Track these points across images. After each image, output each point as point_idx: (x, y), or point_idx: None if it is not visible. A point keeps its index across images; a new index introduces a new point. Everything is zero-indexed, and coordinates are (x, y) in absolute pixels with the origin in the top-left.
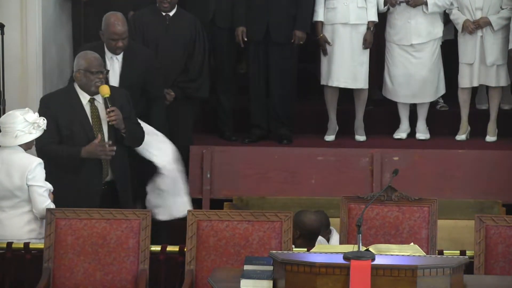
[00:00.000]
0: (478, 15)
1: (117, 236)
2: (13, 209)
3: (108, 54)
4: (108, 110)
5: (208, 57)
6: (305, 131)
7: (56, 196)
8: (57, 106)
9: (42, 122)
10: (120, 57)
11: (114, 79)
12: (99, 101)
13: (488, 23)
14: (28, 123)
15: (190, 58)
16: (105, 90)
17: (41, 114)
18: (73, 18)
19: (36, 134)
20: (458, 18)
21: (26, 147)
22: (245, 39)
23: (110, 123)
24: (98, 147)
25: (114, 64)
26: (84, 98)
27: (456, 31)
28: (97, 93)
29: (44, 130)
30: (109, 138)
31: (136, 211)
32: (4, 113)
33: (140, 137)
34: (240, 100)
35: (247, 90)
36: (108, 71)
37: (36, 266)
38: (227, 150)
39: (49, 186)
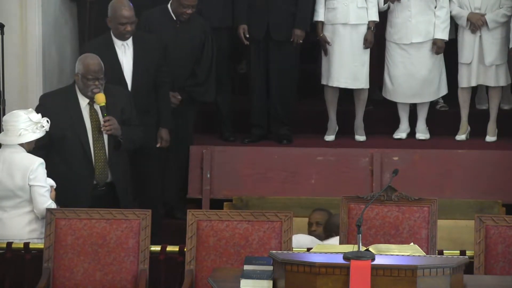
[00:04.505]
0: None
1: (117, 236)
2: (15, 209)
3: (118, 43)
4: (103, 119)
5: (216, 61)
6: (305, 131)
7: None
8: (54, 106)
9: (46, 124)
10: (130, 44)
11: (128, 66)
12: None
13: (484, 21)
14: (32, 122)
15: (198, 63)
16: (100, 98)
17: (37, 111)
18: (79, 18)
19: (39, 134)
20: (460, 12)
21: (27, 147)
22: (247, 36)
23: (105, 132)
24: None
25: (126, 51)
26: (84, 100)
27: (456, 30)
28: (94, 98)
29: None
30: (109, 142)
31: (136, 211)
32: (4, 113)
33: (137, 139)
34: (240, 100)
35: (247, 90)
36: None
37: (36, 266)
38: (227, 150)
39: (51, 182)
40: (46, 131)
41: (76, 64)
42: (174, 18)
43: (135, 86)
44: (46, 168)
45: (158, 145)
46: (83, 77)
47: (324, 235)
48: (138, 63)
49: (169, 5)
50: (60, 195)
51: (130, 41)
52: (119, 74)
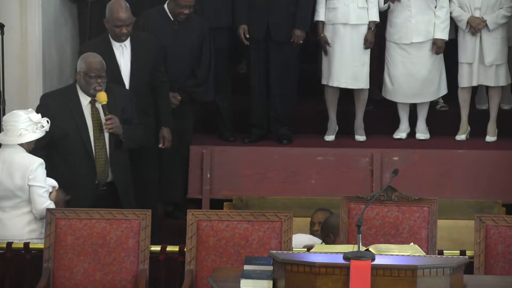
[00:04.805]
0: (477, 15)
1: (117, 236)
2: (14, 209)
3: (115, 44)
4: (105, 118)
5: (215, 61)
6: (305, 131)
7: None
8: (56, 106)
9: (46, 124)
10: (128, 44)
11: (125, 67)
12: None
13: (484, 24)
14: (32, 122)
15: (198, 63)
16: (102, 97)
17: (38, 111)
18: (79, 18)
19: (39, 134)
20: (461, 15)
21: (27, 147)
22: (247, 36)
23: (107, 131)
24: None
25: (124, 52)
26: (85, 99)
27: (456, 31)
28: (95, 96)
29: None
30: (109, 141)
31: (136, 211)
32: (4, 113)
33: (138, 139)
34: (240, 100)
35: (247, 90)
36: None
37: (36, 266)
38: (227, 150)
39: (52, 182)
40: (46, 131)
41: (78, 62)
42: (172, 19)
43: (133, 86)
44: (47, 168)
45: (160, 145)
46: (85, 74)
47: (321, 235)
48: (136, 63)
49: (165, 6)
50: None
51: (128, 42)
52: (116, 75)
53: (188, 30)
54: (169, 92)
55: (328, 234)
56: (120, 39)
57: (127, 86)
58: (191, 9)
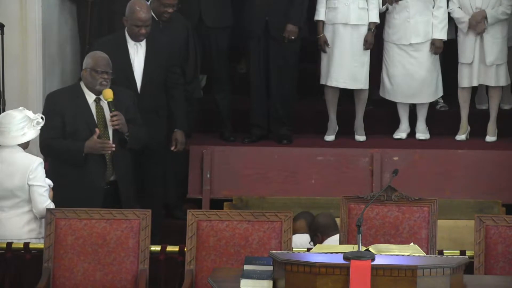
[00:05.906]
0: None
1: (117, 236)
2: (13, 209)
3: (131, 42)
4: (111, 114)
5: (200, 58)
6: (305, 131)
7: (60, 193)
8: (63, 102)
9: (41, 120)
10: (144, 43)
11: (139, 66)
12: (104, 101)
13: (484, 16)
14: (29, 120)
15: (185, 61)
16: (108, 94)
17: (47, 109)
18: (79, 18)
19: (37, 131)
20: (463, 17)
21: (25, 146)
22: None
23: (113, 127)
24: (98, 143)
25: (139, 51)
26: (90, 97)
27: (456, 31)
28: (101, 93)
29: (47, 126)
30: (113, 140)
31: (136, 211)
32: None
33: (142, 138)
34: (240, 100)
35: (247, 90)
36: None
37: (36, 266)
38: (227, 150)
39: (48, 182)
40: (42, 126)
41: (85, 60)
42: (156, 19)
43: (144, 85)
44: (58, 165)
45: (172, 148)
46: (92, 70)
47: (309, 235)
48: (150, 63)
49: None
50: (73, 194)
51: (143, 41)
52: (128, 73)
53: (173, 29)
54: (183, 94)
55: (316, 234)
56: (138, 39)
57: (138, 85)
58: (174, 8)
